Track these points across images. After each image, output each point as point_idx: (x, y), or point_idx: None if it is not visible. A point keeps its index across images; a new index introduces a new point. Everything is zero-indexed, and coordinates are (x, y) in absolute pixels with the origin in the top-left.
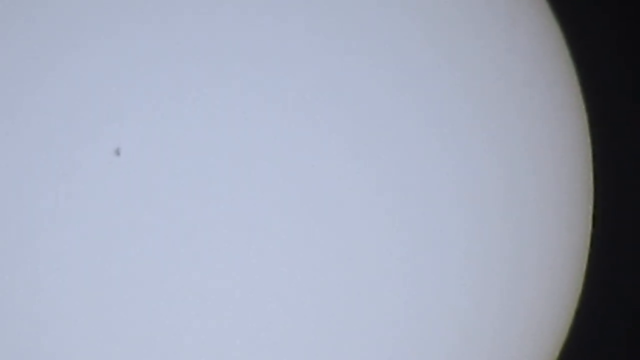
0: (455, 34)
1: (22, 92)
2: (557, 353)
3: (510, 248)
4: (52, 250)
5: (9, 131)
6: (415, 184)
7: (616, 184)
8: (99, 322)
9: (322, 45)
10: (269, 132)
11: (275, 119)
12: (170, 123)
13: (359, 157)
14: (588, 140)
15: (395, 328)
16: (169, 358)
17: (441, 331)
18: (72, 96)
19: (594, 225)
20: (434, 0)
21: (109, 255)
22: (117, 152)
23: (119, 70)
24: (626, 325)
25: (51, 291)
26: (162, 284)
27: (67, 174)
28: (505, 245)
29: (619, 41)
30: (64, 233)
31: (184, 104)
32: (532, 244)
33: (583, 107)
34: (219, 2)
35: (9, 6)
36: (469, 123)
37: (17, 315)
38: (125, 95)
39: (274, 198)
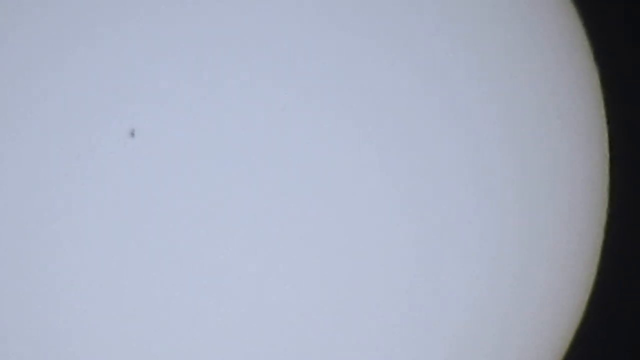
0: (473, 30)
1: (37, 74)
2: (562, 353)
3: (522, 247)
4: (67, 232)
5: (24, 113)
6: (429, 180)
7: (633, 183)
8: (124, 302)
9: (343, 38)
10: (286, 120)
11: (295, 105)
12: (186, 105)
13: (380, 157)
14: (605, 136)
15: (402, 324)
16: (193, 345)
17: (449, 328)
18: (87, 77)
19: (607, 225)
20: None
21: (122, 236)
22: (132, 134)
23: (134, 51)
24: (635, 329)
25: (63, 278)
26: (176, 267)
27: (81, 154)
28: (517, 244)
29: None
30: (79, 215)
31: (200, 86)
32: (544, 245)
33: (602, 106)
34: None
35: None
36: (485, 120)
37: (36, 297)
38: (141, 76)
39: (291, 180)
